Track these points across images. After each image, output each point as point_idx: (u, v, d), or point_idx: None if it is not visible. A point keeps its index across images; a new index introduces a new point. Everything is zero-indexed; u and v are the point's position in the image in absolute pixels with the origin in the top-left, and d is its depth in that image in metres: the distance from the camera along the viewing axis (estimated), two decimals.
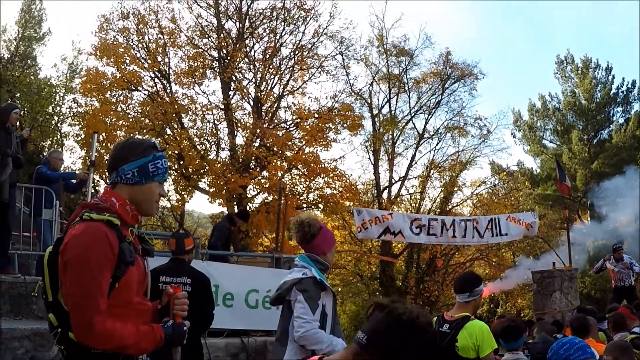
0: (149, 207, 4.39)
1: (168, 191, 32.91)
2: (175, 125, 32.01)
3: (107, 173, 4.43)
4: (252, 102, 33.78)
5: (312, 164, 31.84)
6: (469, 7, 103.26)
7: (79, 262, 3.85)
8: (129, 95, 32.12)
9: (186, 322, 4.38)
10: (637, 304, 12.82)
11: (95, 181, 32.80)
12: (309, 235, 6.87)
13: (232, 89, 33.47)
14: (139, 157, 4.30)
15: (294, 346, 6.65)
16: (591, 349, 5.66)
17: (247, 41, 33.87)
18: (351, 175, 37.74)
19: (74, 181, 14.42)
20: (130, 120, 30.41)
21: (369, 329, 2.92)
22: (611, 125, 50.28)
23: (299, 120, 33.39)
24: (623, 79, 50.54)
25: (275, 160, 31.21)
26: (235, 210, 29.44)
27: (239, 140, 33.08)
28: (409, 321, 2.85)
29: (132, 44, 31.97)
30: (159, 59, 32.11)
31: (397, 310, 2.88)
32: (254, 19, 34.15)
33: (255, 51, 34.16)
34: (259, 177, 31.29)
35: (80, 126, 34.70)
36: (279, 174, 31.01)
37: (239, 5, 33.81)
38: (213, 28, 33.46)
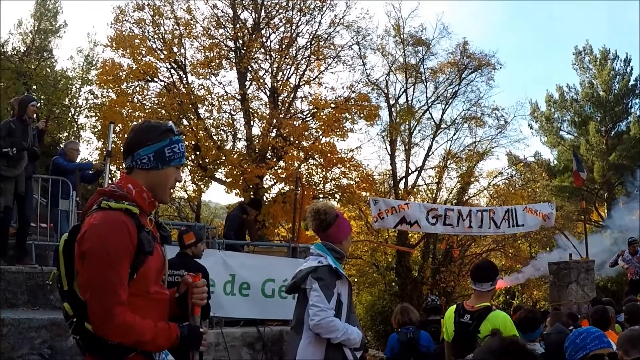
0: (164, 192, 4.32)
1: (185, 182, 33.03)
2: (192, 116, 32.03)
3: (123, 158, 4.32)
4: (268, 93, 33.77)
5: (329, 154, 31.78)
6: None
7: (98, 253, 3.81)
8: (145, 86, 32.18)
9: (203, 327, 4.31)
10: None
11: (112, 172, 32.93)
12: (325, 223, 6.85)
13: (248, 79, 33.43)
14: (156, 141, 4.23)
15: (309, 334, 6.64)
16: (607, 339, 5.62)
17: (263, 31, 33.79)
18: (368, 165, 37.70)
19: (90, 172, 14.42)
20: (147, 111, 30.37)
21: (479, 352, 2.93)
22: (629, 117, 49.81)
23: (315, 110, 33.39)
24: None
25: (291, 150, 31.25)
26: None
27: (256, 130, 33.13)
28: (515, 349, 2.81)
29: (147, 35, 31.98)
30: (175, 49, 32.10)
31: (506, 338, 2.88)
32: (269, 9, 34.08)
33: (271, 41, 34.17)
34: (276, 167, 31.35)
35: (97, 118, 34.91)
36: (296, 164, 30.98)
37: None
38: (229, 18, 33.39)
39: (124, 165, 4.32)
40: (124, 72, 30.68)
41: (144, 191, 4.15)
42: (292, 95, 34.55)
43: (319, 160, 32.53)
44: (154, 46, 31.93)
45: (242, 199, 31.06)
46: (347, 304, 6.79)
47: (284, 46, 33.63)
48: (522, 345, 2.60)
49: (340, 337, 6.50)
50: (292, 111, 34.64)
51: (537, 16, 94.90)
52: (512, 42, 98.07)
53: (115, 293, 3.81)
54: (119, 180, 4.22)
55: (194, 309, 4.30)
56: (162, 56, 31.66)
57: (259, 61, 34.02)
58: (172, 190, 4.50)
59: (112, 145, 15.97)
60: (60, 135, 36.97)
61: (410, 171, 43.25)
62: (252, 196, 29.88)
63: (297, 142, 31.84)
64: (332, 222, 6.86)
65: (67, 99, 38.38)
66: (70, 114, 38.81)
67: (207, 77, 32.32)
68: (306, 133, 32.35)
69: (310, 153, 31.93)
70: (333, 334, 6.51)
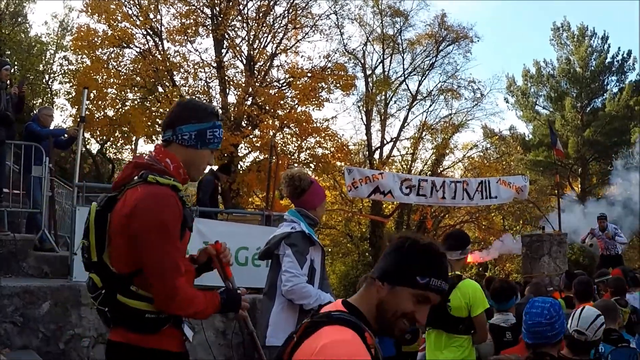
0: (197, 172, 4.40)
1: None
2: (167, 83, 31.82)
3: (162, 130, 4.42)
4: (244, 61, 33.61)
5: (304, 124, 31.80)
6: None
7: (157, 229, 3.87)
8: (121, 52, 31.85)
9: (240, 289, 4.43)
10: (633, 276, 12.81)
11: (86, 138, 32.77)
12: (300, 189, 6.86)
13: (224, 47, 33.24)
14: (200, 120, 4.28)
15: (282, 300, 6.68)
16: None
17: None
18: (343, 135, 37.78)
19: (64, 138, 14.27)
20: (122, 77, 30.22)
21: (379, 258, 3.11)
22: (605, 94, 50.27)
23: (291, 79, 33.27)
24: (619, 48, 50.54)
25: (267, 119, 31.18)
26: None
27: (231, 98, 33.01)
28: (400, 241, 3.05)
29: (123, 0, 31.64)
30: (151, 16, 31.86)
31: (399, 235, 3.12)
32: None
33: (248, 9, 33.86)
34: (251, 136, 31.25)
35: (71, 84, 34.58)
36: (271, 133, 30.91)
37: None
38: None
39: (160, 138, 4.40)
40: (99, 38, 30.35)
41: (180, 167, 4.21)
42: (268, 63, 34.43)
43: (294, 130, 32.53)
44: (130, 12, 31.63)
45: (216, 167, 31.05)
46: (320, 270, 6.84)
47: (261, 14, 33.41)
48: None
49: (313, 303, 6.50)
50: (268, 80, 34.49)
51: None
52: (491, 16, 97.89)
53: (177, 267, 3.93)
54: (155, 153, 4.27)
55: (227, 272, 4.41)
56: (138, 22, 31.38)
57: (236, 29, 33.84)
58: (204, 171, 4.70)
59: (86, 112, 15.83)
60: (34, 102, 36.69)
61: (385, 142, 43.53)
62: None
63: (272, 110, 31.78)
64: (306, 188, 6.87)
65: (41, 65, 38.23)
66: (44, 80, 38.58)
67: (183, 44, 32.12)
68: (282, 102, 32.33)
69: (285, 122, 31.91)
70: (306, 300, 6.54)
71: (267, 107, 31.54)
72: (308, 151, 33.60)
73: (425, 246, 3.05)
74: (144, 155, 4.36)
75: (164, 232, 3.87)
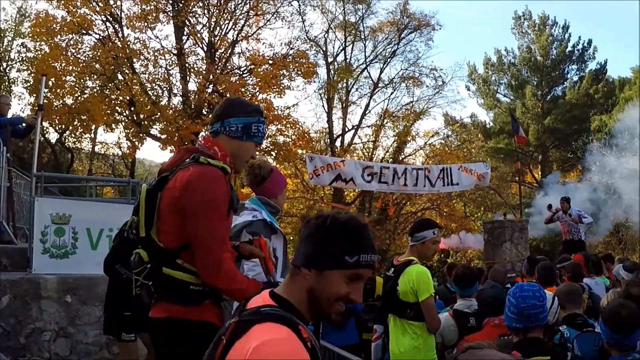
0: (241, 163, 4.74)
1: (119, 138, 32.68)
2: (127, 71, 31.47)
3: (210, 122, 4.74)
4: (205, 48, 33.38)
5: (265, 111, 31.50)
6: None
7: (208, 205, 4.16)
8: (80, 39, 31.38)
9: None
10: (595, 261, 12.89)
11: (44, 127, 32.41)
12: (260, 177, 6.81)
13: (185, 34, 32.99)
14: (247, 115, 4.61)
15: None
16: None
17: None
18: (304, 123, 37.68)
19: (22, 126, 14.04)
20: (81, 65, 29.86)
21: (297, 243, 3.03)
22: (565, 83, 51.02)
23: (253, 66, 33.09)
24: (579, 37, 51.14)
25: None
26: None
27: (192, 86, 32.83)
28: (319, 222, 2.94)
29: None
30: (111, 1, 31.49)
31: (315, 216, 3.00)
32: None
33: None
34: None
35: (29, 72, 34.08)
36: None
37: None
38: None
39: (208, 129, 4.94)
40: (58, 25, 29.94)
41: (227, 156, 4.52)
42: (229, 50, 34.21)
43: None
44: None
45: None
46: (282, 259, 6.76)
47: (222, 0, 33.17)
48: None
49: None
50: (230, 67, 34.30)
51: None
52: (453, 4, 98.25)
53: (224, 241, 4.29)
54: (205, 142, 4.58)
55: (269, 266, 4.71)
56: (97, 8, 30.90)
57: (197, 15, 33.65)
58: (247, 163, 5.07)
59: (44, 100, 15.60)
60: None
61: (347, 129, 43.56)
62: None
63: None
64: (266, 176, 6.82)
65: None
66: (1, 68, 38.08)
67: (143, 30, 31.88)
68: (243, 89, 32.12)
69: None
70: None
71: (228, 95, 31.25)
72: (269, 139, 33.42)
73: (347, 222, 2.93)
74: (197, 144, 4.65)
75: (214, 207, 4.19)
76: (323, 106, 43.24)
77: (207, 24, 33.33)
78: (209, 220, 4.09)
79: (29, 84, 33.34)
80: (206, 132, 30.65)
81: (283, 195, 7.04)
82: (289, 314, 2.83)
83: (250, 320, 2.77)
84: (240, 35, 34.04)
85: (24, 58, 36.34)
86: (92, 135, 36.09)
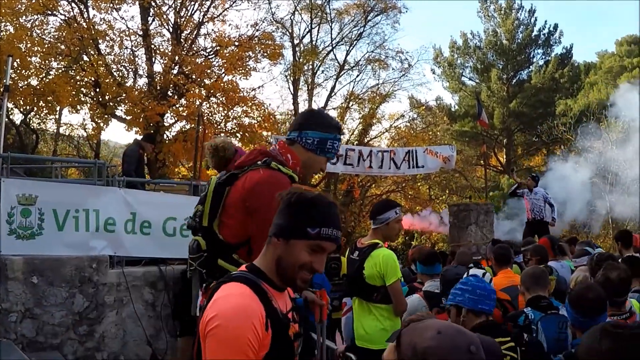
0: (310, 175, 5.00)
1: (84, 119, 32.47)
2: (92, 52, 31.15)
3: (289, 129, 4.97)
4: (171, 29, 33.10)
5: (231, 93, 31.58)
6: None
7: (270, 209, 4.03)
8: (45, 20, 31.03)
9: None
10: (560, 246, 13.06)
11: (9, 108, 32.10)
12: (225, 159, 6.86)
13: (151, 15, 32.68)
14: (325, 130, 4.78)
15: None
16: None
17: None
18: (270, 105, 37.87)
19: None
20: (46, 46, 29.52)
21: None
22: (531, 67, 51.17)
23: (218, 47, 32.91)
24: (545, 21, 51.42)
25: (193, 88, 30.85)
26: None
27: (157, 67, 32.56)
28: (288, 197, 3.27)
29: None
30: None
31: (285, 193, 3.32)
32: None
33: None
34: (177, 105, 30.89)
35: None
36: (197, 102, 30.69)
37: None
38: None
39: (286, 136, 4.91)
40: (23, 5, 29.60)
41: (298, 165, 4.71)
42: (195, 32, 33.98)
43: (221, 99, 32.25)
44: None
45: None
46: None
47: None
48: None
49: None
50: (195, 48, 34.10)
51: None
52: None
53: None
54: (279, 148, 4.79)
55: (323, 316, 4.78)
56: None
57: None
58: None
59: (10, 81, 15.43)
60: None
61: None
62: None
63: (199, 80, 31.49)
64: (231, 157, 6.83)
65: None
66: None
67: (109, 11, 31.49)
68: (209, 71, 32.01)
69: (212, 91, 31.64)
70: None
71: (194, 76, 31.25)
72: (235, 121, 33.34)
73: (313, 198, 3.25)
74: (270, 146, 5.03)
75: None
76: (289, 88, 43.29)
77: (173, 5, 33.06)
78: (269, 224, 3.97)
79: None
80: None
81: None
82: (254, 276, 3.19)
83: (222, 281, 3.19)
84: (206, 17, 33.80)
85: None
86: (57, 117, 35.83)
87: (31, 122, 37.86)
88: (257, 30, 34.95)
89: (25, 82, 28.87)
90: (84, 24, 30.51)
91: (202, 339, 3.02)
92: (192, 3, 33.33)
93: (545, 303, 6.55)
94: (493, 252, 9.90)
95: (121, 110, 31.54)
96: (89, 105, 31.05)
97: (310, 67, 43.02)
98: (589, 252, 10.55)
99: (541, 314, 6.35)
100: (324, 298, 4.73)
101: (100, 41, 31.12)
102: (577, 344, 4.93)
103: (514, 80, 50.62)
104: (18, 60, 27.32)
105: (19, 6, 29.22)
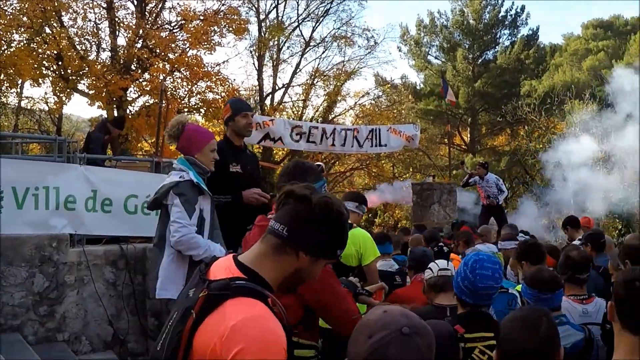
0: None
1: (45, 93, 32.13)
2: (55, 24, 30.78)
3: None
4: (135, 2, 32.80)
5: (195, 68, 31.41)
6: None
7: None
8: None
9: None
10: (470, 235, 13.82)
11: None
12: (174, 137, 6.78)
13: None
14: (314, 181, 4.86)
15: (172, 251, 6.63)
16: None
17: None
18: (234, 80, 37.50)
19: None
20: (8, 17, 29.08)
21: (288, 220, 3.00)
22: (497, 47, 51.46)
23: (183, 21, 32.64)
24: (512, 2, 52.02)
25: (157, 63, 30.66)
26: (115, 113, 28.97)
27: (121, 40, 32.28)
28: (327, 211, 3.02)
29: None
30: None
31: (319, 202, 3.02)
32: None
33: None
34: (140, 80, 30.68)
35: None
36: (161, 77, 30.47)
37: None
38: None
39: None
40: None
41: None
42: (160, 5, 33.70)
43: (185, 74, 32.07)
44: None
45: (105, 112, 30.44)
46: (209, 220, 6.81)
47: None
48: None
49: (202, 254, 6.49)
50: (160, 22, 33.84)
51: None
52: None
53: None
54: None
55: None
56: None
57: None
58: None
59: None
60: None
61: (277, 88, 43.56)
62: (116, 109, 29.31)
63: (163, 54, 31.28)
64: (179, 135, 6.80)
65: None
66: None
67: None
68: (173, 45, 31.78)
69: (176, 66, 31.42)
70: (195, 251, 6.52)
71: (158, 50, 31.04)
72: (199, 96, 33.25)
73: (342, 215, 3.10)
74: None
75: None
76: (254, 64, 43.10)
77: None
78: None
79: None
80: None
81: (205, 154, 6.90)
82: (258, 287, 2.87)
83: (221, 295, 2.78)
84: None
85: None
86: (18, 90, 35.43)
87: None
88: (223, 4, 34.69)
89: None
90: None
91: None
92: None
93: None
94: (457, 237, 10.18)
95: (84, 84, 31.23)
96: (51, 78, 30.68)
97: (276, 43, 42.90)
98: (515, 237, 11.42)
99: None
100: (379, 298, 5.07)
101: (63, 13, 30.79)
102: None
103: (480, 60, 50.90)
104: None
105: None
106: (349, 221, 7.32)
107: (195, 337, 2.74)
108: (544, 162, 28.61)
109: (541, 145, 35.67)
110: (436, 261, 6.43)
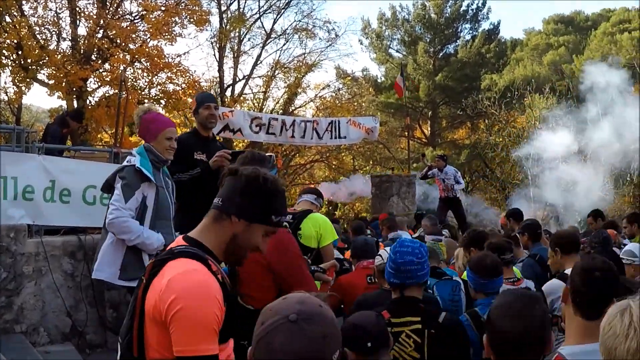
0: None
1: (5, 83, 31.87)
2: (15, 13, 30.45)
3: None
4: None
5: (156, 59, 31.19)
6: None
7: None
8: None
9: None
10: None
11: None
12: (136, 126, 6.91)
13: None
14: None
15: (112, 235, 6.73)
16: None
17: None
18: (195, 71, 37.42)
19: None
20: None
21: (223, 192, 3.36)
22: (458, 41, 51.90)
23: (144, 12, 32.42)
24: None
25: (117, 53, 30.42)
26: (75, 104, 28.77)
27: (82, 30, 31.93)
28: (253, 178, 3.31)
29: None
30: None
31: (247, 172, 3.33)
32: None
33: None
34: (101, 70, 30.44)
35: None
36: (121, 67, 30.23)
37: None
38: None
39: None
40: None
41: None
42: None
43: (145, 65, 31.85)
44: None
45: (65, 102, 30.22)
46: (153, 208, 6.82)
47: None
48: None
49: (134, 239, 6.58)
50: (121, 12, 33.58)
51: None
52: None
53: None
54: None
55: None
56: None
57: None
58: None
59: None
60: None
61: (237, 79, 43.38)
62: (75, 99, 29.12)
63: (123, 44, 31.04)
64: (138, 122, 6.87)
65: None
66: None
67: None
68: (134, 36, 31.52)
69: (136, 56, 31.17)
70: (126, 235, 6.60)
71: (119, 41, 30.76)
72: (159, 87, 33.01)
73: (280, 187, 3.44)
74: None
75: None
76: (214, 55, 42.94)
77: None
78: None
79: None
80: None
81: (160, 142, 6.93)
82: (199, 251, 3.18)
83: (164, 258, 3.13)
84: None
85: None
86: None
87: None
88: None
89: None
90: None
91: (153, 321, 2.98)
92: None
93: (439, 271, 7.36)
94: (423, 226, 10.56)
95: (44, 74, 30.93)
96: (10, 68, 30.36)
97: (237, 34, 42.80)
98: (440, 232, 12.56)
99: (436, 280, 7.04)
100: (331, 274, 5.44)
101: (24, 2, 30.48)
102: (480, 304, 5.97)
103: (441, 54, 51.35)
104: None
105: None
106: (307, 207, 7.61)
107: (145, 301, 3.02)
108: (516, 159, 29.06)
109: (501, 139, 35.97)
110: (385, 248, 6.74)
